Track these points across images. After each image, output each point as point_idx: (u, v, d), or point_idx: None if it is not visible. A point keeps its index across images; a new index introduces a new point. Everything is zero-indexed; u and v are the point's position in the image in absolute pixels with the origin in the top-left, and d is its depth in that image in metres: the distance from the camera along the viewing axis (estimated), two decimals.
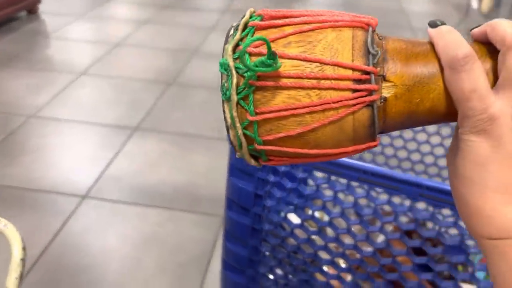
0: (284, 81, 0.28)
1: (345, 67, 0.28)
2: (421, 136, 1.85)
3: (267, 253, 0.64)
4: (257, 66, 0.28)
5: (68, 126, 1.86)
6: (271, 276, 0.66)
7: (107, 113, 1.97)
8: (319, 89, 0.28)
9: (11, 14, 2.68)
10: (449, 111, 0.29)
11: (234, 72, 0.29)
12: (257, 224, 0.62)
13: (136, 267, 1.26)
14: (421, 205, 1.50)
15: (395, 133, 1.54)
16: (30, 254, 1.27)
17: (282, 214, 0.60)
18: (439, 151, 1.94)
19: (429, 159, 1.57)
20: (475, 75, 0.27)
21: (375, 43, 0.29)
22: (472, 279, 0.53)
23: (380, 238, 0.77)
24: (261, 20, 0.31)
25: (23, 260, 0.57)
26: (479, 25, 0.30)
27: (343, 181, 1.71)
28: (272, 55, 0.28)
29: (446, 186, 0.49)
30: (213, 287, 1.21)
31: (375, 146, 0.30)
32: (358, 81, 0.28)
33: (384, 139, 1.57)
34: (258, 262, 0.66)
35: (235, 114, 0.29)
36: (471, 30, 0.31)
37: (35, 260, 1.25)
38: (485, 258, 0.80)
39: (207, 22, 3.12)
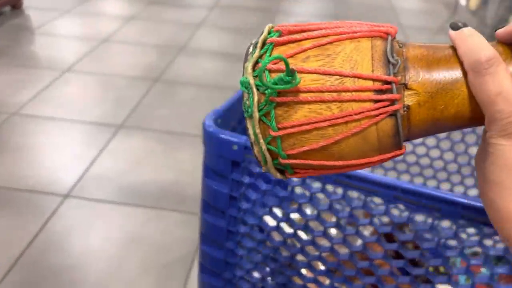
0: (305, 96, 0.28)
1: (365, 78, 0.28)
2: (445, 144, 1.83)
3: (243, 256, 0.63)
4: (276, 84, 0.28)
5: (51, 124, 1.83)
6: (248, 279, 0.64)
7: (91, 110, 1.94)
8: (340, 101, 0.28)
9: None
10: (475, 115, 0.28)
11: (254, 90, 0.29)
12: (232, 226, 0.61)
13: (119, 268, 1.25)
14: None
15: (418, 140, 1.51)
16: (10, 255, 1.24)
17: (258, 216, 0.58)
18: (464, 159, 1.93)
19: (452, 167, 1.54)
20: (500, 78, 0.26)
21: (395, 51, 0.29)
22: (450, 282, 0.52)
23: (358, 241, 0.76)
24: (279, 36, 0.31)
25: None
26: (503, 26, 0.29)
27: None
28: (291, 72, 0.27)
29: (423, 189, 0.47)
30: (197, 287, 1.20)
31: (402, 154, 0.29)
32: (379, 91, 0.28)
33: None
34: (235, 265, 0.64)
35: (258, 130, 0.29)
36: (495, 30, 0.30)
37: (15, 261, 1.23)
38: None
39: (195, 18, 3.09)
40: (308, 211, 0.69)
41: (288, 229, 0.57)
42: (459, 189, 1.16)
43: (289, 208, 0.55)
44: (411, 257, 0.52)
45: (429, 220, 0.93)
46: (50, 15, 2.91)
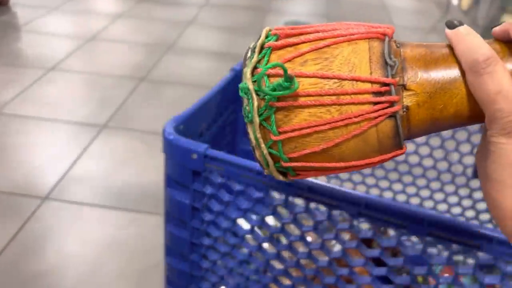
0: (304, 100, 0.28)
1: (363, 81, 0.28)
2: (450, 144, 1.78)
3: (209, 268, 0.60)
4: (275, 90, 0.28)
5: (33, 123, 1.79)
6: None
7: (75, 110, 1.90)
8: (339, 104, 0.28)
9: None
10: (474, 114, 0.28)
11: (254, 95, 0.29)
12: (196, 238, 0.58)
13: (97, 273, 1.21)
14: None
15: (421, 140, 1.50)
16: None
17: (222, 228, 0.55)
18: (469, 160, 1.90)
19: (457, 169, 1.51)
20: (498, 76, 0.26)
21: (393, 52, 0.29)
22: None
23: (337, 247, 0.73)
24: (277, 39, 0.31)
25: None
26: (499, 24, 0.29)
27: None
28: (289, 78, 0.28)
29: (390, 202, 0.45)
30: None
31: (402, 153, 0.30)
32: (378, 93, 0.28)
33: (409, 146, 1.53)
34: (201, 278, 0.61)
35: (259, 135, 0.30)
36: (492, 28, 0.30)
37: None
38: (446, 269, 0.75)
39: (185, 16, 3.06)
40: (272, 222, 0.66)
41: (252, 242, 0.55)
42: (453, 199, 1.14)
43: (252, 220, 0.52)
44: (392, 265, 0.49)
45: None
46: (38, 12, 2.87)
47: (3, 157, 1.59)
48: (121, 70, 2.27)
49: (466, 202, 1.52)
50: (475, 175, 0.85)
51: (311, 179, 0.47)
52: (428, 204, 1.60)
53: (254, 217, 0.52)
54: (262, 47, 0.31)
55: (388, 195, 1.55)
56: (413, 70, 0.28)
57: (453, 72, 0.28)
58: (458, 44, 0.28)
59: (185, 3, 3.30)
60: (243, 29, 2.93)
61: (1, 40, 2.46)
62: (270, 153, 0.30)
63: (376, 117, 0.28)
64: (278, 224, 0.54)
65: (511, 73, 0.28)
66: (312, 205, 1.10)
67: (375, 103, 0.28)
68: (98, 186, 1.50)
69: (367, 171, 1.22)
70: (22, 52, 2.35)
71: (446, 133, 1.83)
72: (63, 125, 1.80)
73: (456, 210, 1.48)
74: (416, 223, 0.43)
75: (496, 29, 0.29)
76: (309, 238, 0.75)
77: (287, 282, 0.59)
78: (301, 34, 0.31)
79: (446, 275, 0.49)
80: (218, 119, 0.70)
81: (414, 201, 1.49)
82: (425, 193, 1.61)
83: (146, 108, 1.96)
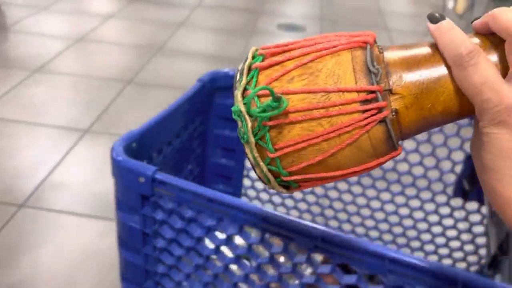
0: (294, 116, 0.29)
1: (349, 91, 0.29)
2: (442, 152, 1.73)
3: None
4: (265, 111, 0.29)
5: (14, 127, 1.75)
6: None
7: (58, 113, 1.86)
8: (329, 116, 0.29)
9: None
10: (463, 109, 0.29)
11: (247, 117, 0.30)
12: (150, 265, 0.54)
13: (71, 284, 1.17)
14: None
15: (410, 147, 1.43)
16: None
17: (175, 255, 0.51)
18: (459, 168, 1.84)
19: (449, 178, 1.46)
20: (482, 68, 0.27)
21: (375, 59, 0.29)
22: None
23: (308, 271, 0.69)
24: (263, 59, 0.32)
25: None
26: (479, 17, 0.30)
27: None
28: (277, 99, 0.29)
29: (348, 237, 0.41)
30: None
31: (399, 154, 0.30)
32: (365, 101, 0.28)
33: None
34: None
35: (256, 154, 0.30)
36: (472, 22, 0.31)
37: None
38: None
39: (177, 17, 3.01)
40: (228, 253, 0.62)
41: (207, 272, 0.51)
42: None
43: (205, 249, 0.48)
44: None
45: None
46: (27, 12, 2.82)
47: None
48: (108, 72, 2.22)
49: (458, 214, 1.48)
50: (456, 193, 0.81)
51: (266, 209, 0.43)
52: (418, 215, 1.57)
53: (208, 245, 0.48)
54: (249, 69, 0.32)
55: (375, 204, 1.51)
56: (397, 74, 0.29)
57: (437, 71, 0.28)
58: (440, 38, 0.28)
59: (179, 4, 3.26)
60: (236, 31, 2.89)
61: None
62: (269, 170, 0.31)
63: (366, 125, 0.28)
64: (231, 255, 0.50)
65: (494, 65, 0.28)
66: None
67: (364, 111, 0.28)
68: (78, 194, 1.45)
69: (353, 179, 1.17)
70: (8, 53, 2.31)
71: (437, 141, 1.79)
72: (45, 129, 1.75)
73: (449, 222, 1.44)
74: (375, 258, 0.39)
75: (476, 23, 0.30)
76: (270, 271, 0.71)
77: None
78: (285, 51, 0.31)
79: None
80: (183, 133, 0.66)
81: (404, 211, 1.45)
82: (415, 203, 1.57)
83: (132, 112, 1.92)
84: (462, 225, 1.39)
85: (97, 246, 1.28)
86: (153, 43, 2.58)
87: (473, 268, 1.06)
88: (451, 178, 1.81)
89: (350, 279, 0.46)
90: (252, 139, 0.30)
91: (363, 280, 0.48)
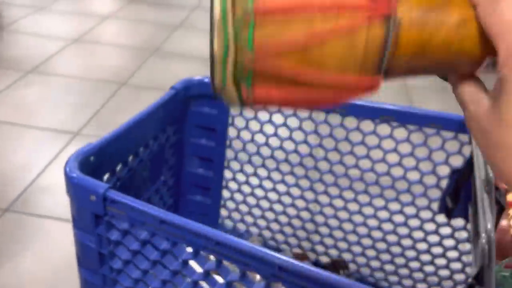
0: None
1: None
2: (426, 166, 1.69)
3: None
4: None
5: (3, 129, 1.72)
6: None
7: (49, 115, 1.83)
8: None
9: None
10: (463, 50, 0.26)
11: None
12: (108, 286, 0.51)
13: None
14: None
15: (394, 160, 1.33)
16: None
17: (133, 278, 0.48)
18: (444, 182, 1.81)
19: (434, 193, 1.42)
20: None
21: None
22: None
23: None
24: None
25: None
26: None
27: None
28: None
29: (307, 267, 0.37)
30: None
31: (377, 87, 0.27)
32: None
33: (381, 166, 1.39)
34: None
35: (228, 5, 0.24)
36: None
37: None
38: None
39: (175, 18, 2.99)
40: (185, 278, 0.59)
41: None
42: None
43: (162, 273, 0.45)
44: None
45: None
46: (24, 12, 2.81)
47: None
48: (102, 74, 2.20)
49: (456, 222, 1.44)
50: (440, 210, 0.78)
51: (222, 234, 0.39)
52: (414, 223, 1.52)
53: (168, 266, 0.45)
54: None
55: (368, 211, 1.48)
56: None
57: None
58: None
59: (178, 5, 3.23)
60: None
61: None
62: (235, 39, 0.24)
63: (371, 16, 0.25)
64: (188, 280, 0.47)
65: None
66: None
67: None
68: (64, 198, 1.42)
69: (345, 183, 1.11)
70: (2, 54, 2.29)
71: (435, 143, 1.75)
72: (35, 131, 1.73)
73: (446, 230, 1.40)
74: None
75: None
76: None
77: None
78: None
79: None
80: (152, 143, 0.63)
81: (398, 218, 1.41)
82: (410, 210, 1.53)
83: (123, 115, 1.89)
84: (461, 235, 1.35)
85: None
86: (150, 45, 2.56)
87: None
88: (436, 193, 1.77)
89: None
90: None
91: None
